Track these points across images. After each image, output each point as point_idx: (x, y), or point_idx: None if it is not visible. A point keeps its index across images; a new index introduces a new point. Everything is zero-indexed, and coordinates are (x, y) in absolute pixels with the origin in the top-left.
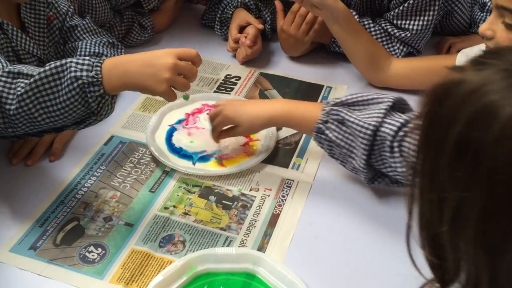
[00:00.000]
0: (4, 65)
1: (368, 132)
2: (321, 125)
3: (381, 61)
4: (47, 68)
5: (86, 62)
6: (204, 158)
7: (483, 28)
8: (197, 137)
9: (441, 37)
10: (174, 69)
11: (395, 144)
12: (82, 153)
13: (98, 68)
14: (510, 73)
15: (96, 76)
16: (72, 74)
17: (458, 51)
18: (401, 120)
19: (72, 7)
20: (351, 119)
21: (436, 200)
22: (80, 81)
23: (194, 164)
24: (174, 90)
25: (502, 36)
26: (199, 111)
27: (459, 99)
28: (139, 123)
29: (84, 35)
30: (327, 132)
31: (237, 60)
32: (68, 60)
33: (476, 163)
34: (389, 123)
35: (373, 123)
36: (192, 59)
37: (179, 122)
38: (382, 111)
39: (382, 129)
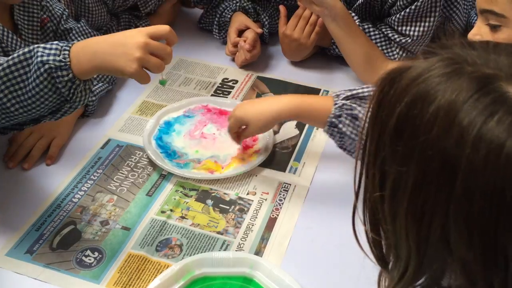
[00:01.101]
0: None
1: None
2: (334, 119)
3: (378, 63)
4: (15, 55)
5: (54, 46)
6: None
7: (471, 34)
8: (202, 146)
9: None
10: (145, 47)
11: None
12: (79, 156)
13: (66, 52)
14: (452, 61)
15: (64, 60)
16: (39, 59)
17: None
18: None
19: (67, 10)
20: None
21: (378, 175)
22: (47, 66)
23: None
24: (149, 73)
25: (489, 38)
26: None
27: (405, 82)
28: (136, 126)
29: (79, 38)
30: (340, 125)
31: (235, 64)
32: (36, 45)
33: (412, 140)
34: None
35: None
36: (165, 37)
37: (176, 120)
38: None
39: None
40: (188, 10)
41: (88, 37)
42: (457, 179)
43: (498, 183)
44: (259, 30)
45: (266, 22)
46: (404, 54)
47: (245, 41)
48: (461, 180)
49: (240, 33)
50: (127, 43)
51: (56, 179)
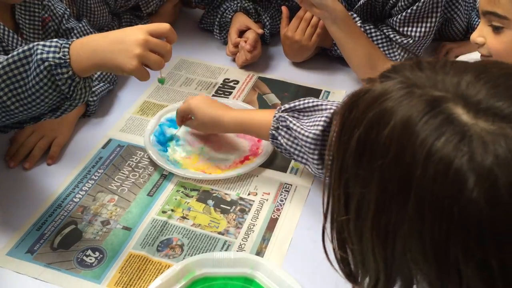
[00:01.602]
0: None
1: (309, 140)
2: (273, 132)
3: (379, 64)
4: (15, 53)
5: (54, 44)
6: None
7: (474, 36)
8: (210, 142)
9: (439, 43)
10: (145, 44)
11: None
12: (80, 156)
13: (66, 50)
14: (403, 85)
15: (63, 58)
16: (39, 56)
17: (456, 56)
18: None
19: (68, 10)
20: (295, 127)
21: (343, 196)
22: (46, 63)
23: (166, 150)
24: (149, 72)
25: (491, 40)
26: None
27: (364, 105)
28: (137, 126)
29: None
30: (279, 138)
31: (236, 64)
32: (36, 43)
33: (371, 164)
34: (328, 131)
35: (313, 131)
36: (165, 35)
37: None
38: (323, 118)
39: (324, 137)
40: (189, 11)
41: None
42: (410, 198)
43: (446, 200)
44: (260, 31)
45: (267, 23)
46: (405, 55)
47: (246, 42)
48: (413, 198)
49: (241, 33)
50: (127, 40)
51: (57, 179)
